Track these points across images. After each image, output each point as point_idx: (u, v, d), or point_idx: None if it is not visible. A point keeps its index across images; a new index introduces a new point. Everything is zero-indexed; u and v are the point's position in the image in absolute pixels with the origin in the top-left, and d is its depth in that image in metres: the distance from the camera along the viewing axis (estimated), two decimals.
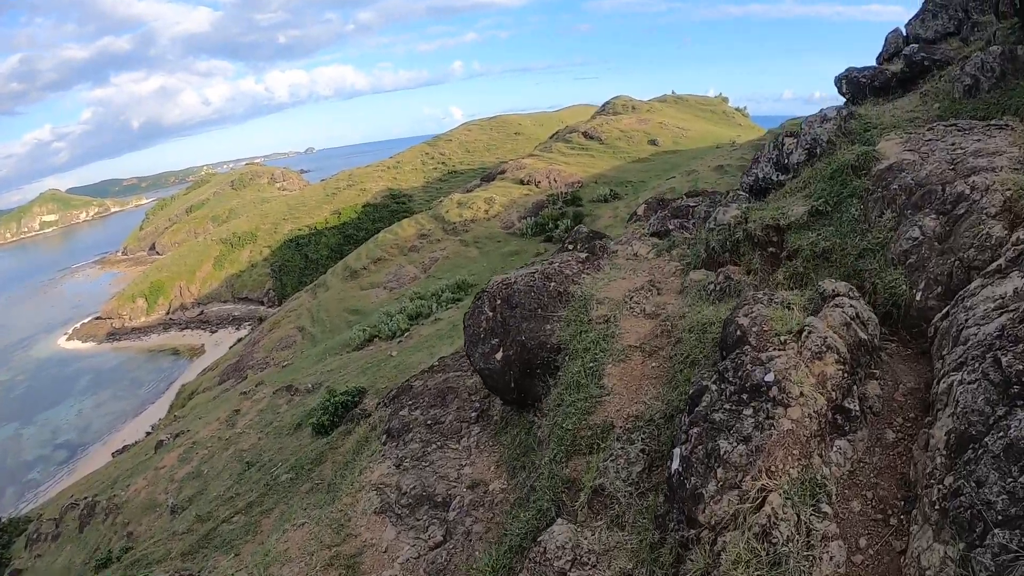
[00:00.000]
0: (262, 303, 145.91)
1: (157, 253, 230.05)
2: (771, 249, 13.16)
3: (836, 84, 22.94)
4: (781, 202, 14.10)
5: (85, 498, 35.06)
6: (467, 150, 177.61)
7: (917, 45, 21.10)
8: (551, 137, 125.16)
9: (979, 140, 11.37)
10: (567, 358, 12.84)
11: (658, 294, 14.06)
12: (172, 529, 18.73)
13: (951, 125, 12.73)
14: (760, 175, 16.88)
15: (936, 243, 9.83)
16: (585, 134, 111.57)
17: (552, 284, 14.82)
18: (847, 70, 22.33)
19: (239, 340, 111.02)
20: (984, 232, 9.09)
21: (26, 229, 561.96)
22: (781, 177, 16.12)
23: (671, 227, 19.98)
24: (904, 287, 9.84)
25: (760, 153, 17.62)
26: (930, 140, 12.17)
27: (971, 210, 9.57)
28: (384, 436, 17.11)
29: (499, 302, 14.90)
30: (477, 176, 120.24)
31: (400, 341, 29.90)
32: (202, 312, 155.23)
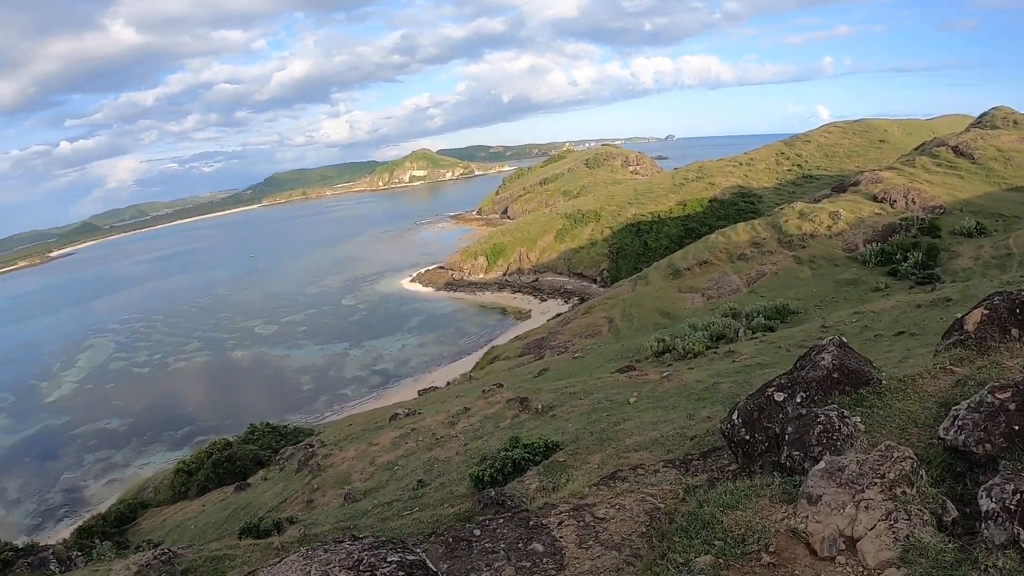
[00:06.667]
0: (594, 281, 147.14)
1: (508, 217, 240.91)
2: None
3: None
4: None
5: (311, 446, 35.32)
6: (825, 154, 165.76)
7: None
8: (916, 149, 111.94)
9: None
10: None
11: None
12: (326, 521, 17.06)
13: None
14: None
15: None
16: (955, 149, 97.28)
17: None
18: None
19: (558, 315, 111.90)
20: None
21: (396, 180, 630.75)
22: None
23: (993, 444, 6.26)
24: None
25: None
26: None
27: None
28: None
29: None
30: (832, 184, 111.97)
31: (665, 375, 26.01)
32: (536, 279, 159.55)
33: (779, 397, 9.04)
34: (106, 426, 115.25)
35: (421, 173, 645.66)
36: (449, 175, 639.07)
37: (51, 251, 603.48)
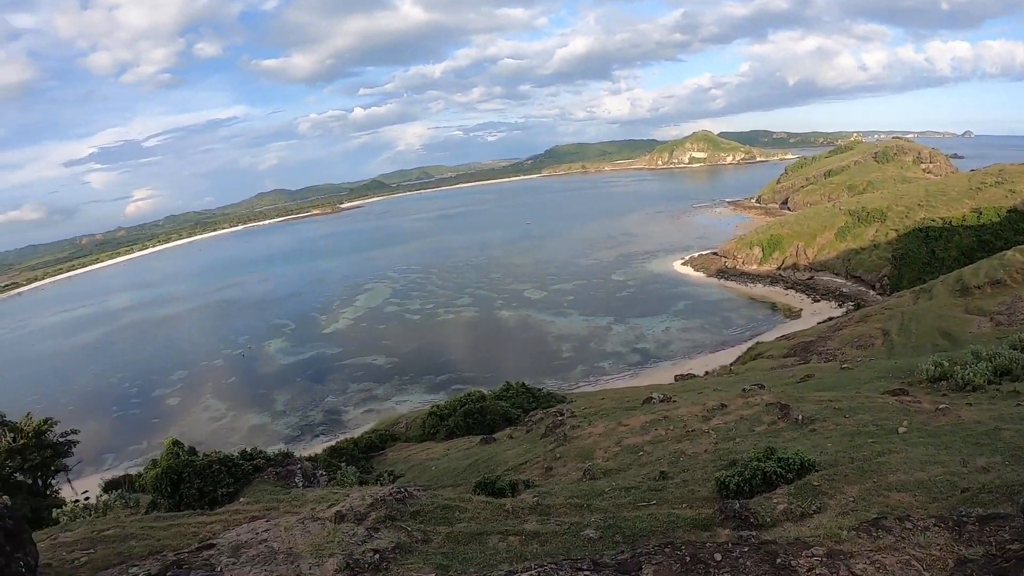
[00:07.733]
0: (873, 287, 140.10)
1: (788, 209, 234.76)
2: None
3: None
4: None
5: (561, 414, 35.47)
6: None
7: None
8: None
9: None
10: None
11: None
12: (561, 494, 16.93)
13: None
14: None
15: None
16: None
17: None
18: None
19: (829, 319, 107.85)
20: None
21: (676, 160, 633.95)
22: None
23: None
24: None
25: None
26: None
27: None
28: None
29: None
30: None
31: (941, 407, 23.83)
32: (811, 277, 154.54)
33: None
34: (372, 361, 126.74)
35: (701, 155, 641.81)
36: (729, 159, 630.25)
37: (341, 203, 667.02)
